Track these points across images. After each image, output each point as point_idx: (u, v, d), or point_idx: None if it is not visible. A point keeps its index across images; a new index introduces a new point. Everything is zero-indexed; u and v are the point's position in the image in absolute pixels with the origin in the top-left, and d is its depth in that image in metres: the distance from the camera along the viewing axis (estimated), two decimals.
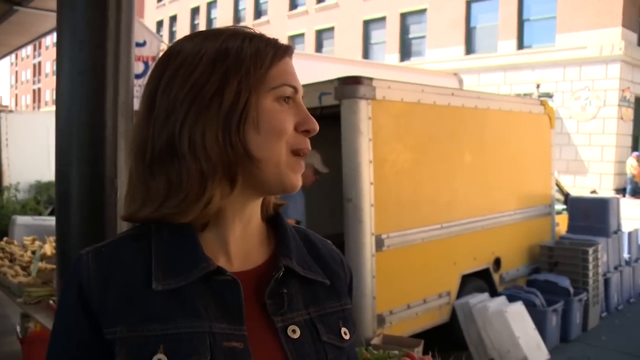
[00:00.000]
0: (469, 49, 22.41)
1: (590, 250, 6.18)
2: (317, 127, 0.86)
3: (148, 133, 0.83)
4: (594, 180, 19.00)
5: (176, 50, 0.85)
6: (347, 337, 0.90)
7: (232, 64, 0.81)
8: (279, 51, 0.85)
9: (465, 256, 5.31)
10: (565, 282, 5.95)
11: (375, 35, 25.63)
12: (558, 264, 6.27)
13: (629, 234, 7.58)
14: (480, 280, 5.56)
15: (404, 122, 4.68)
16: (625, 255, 7.39)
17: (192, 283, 0.79)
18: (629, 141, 20.57)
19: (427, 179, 4.90)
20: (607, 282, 6.76)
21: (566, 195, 8.09)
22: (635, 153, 19.69)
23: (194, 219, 0.82)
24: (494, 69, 21.18)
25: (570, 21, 19.92)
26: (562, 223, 7.34)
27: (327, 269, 0.95)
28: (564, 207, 7.83)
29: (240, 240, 0.87)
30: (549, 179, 6.77)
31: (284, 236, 0.92)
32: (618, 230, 7.18)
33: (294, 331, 0.84)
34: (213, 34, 0.85)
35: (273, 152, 0.82)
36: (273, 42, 0.86)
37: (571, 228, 7.07)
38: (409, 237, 4.67)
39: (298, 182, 0.86)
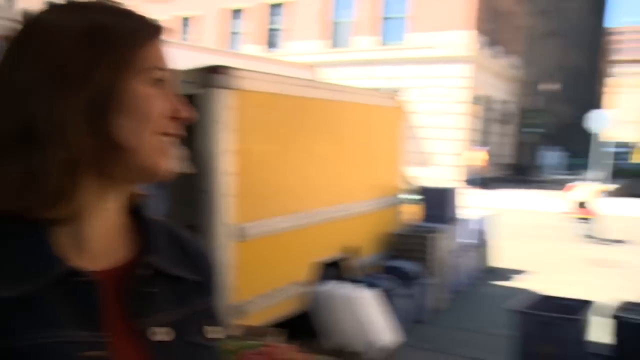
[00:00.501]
0: (329, 42, 22.99)
1: (433, 236, 6.62)
2: (188, 114, 0.79)
3: None
4: (444, 173, 20.32)
5: (35, 23, 0.75)
6: (215, 335, 0.86)
7: (101, 42, 0.73)
8: (151, 31, 0.78)
9: (322, 245, 5.46)
10: (415, 267, 6.31)
11: (239, 25, 25.46)
12: (408, 250, 6.64)
13: (473, 220, 8.22)
14: (336, 269, 5.74)
15: (265, 113, 4.70)
16: (469, 240, 8.01)
17: (43, 288, 0.70)
18: (475, 136, 22.26)
19: (288, 170, 4.97)
20: (449, 265, 7.28)
21: (418, 186, 8.58)
22: (483, 147, 21.35)
23: (49, 213, 0.73)
24: (353, 63, 21.91)
25: (424, 21, 21.11)
26: (417, 212, 7.74)
27: (194, 264, 0.89)
28: (420, 197, 8.28)
29: (101, 236, 0.79)
30: (398, 171, 7.10)
31: (149, 231, 0.84)
32: (459, 217, 7.77)
33: (160, 334, 0.77)
34: (78, 8, 0.77)
35: (143, 139, 0.75)
36: (144, 21, 0.78)
37: (426, 217, 7.53)
38: (271, 226, 4.71)
39: (171, 168, 0.79)
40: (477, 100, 21.90)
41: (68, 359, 0.68)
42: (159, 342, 0.77)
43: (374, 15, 22.15)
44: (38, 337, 0.67)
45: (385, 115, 6.65)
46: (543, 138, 32.55)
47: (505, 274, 8.37)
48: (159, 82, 0.77)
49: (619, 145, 32.03)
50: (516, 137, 28.92)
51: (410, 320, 5.93)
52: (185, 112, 0.79)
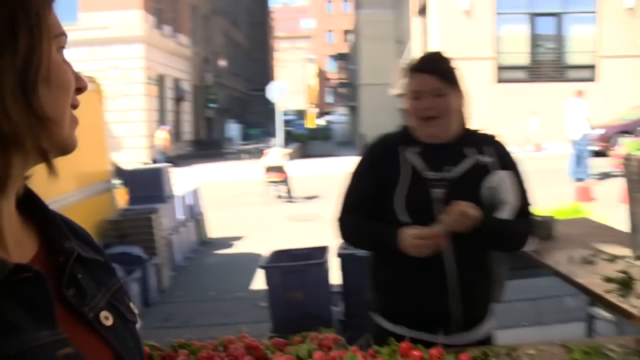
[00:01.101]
0: None
1: (153, 217, 6.54)
2: (86, 84, 0.76)
3: None
4: (129, 155, 19.81)
5: None
6: (136, 311, 0.84)
7: (19, 3, 0.65)
8: None
9: None
10: (137, 250, 6.15)
11: None
12: (127, 235, 6.43)
13: (181, 197, 8.30)
14: None
15: None
16: (184, 216, 8.07)
17: None
18: (156, 116, 22.17)
19: None
20: (170, 243, 7.28)
21: (121, 170, 8.30)
22: (164, 126, 21.38)
23: None
24: None
25: (96, 1, 20.05)
26: (121, 197, 7.52)
27: (90, 244, 0.84)
28: (120, 181, 8.01)
29: (9, 224, 0.69)
30: (104, 156, 6.81)
31: (48, 214, 0.77)
32: (172, 195, 7.77)
33: (106, 318, 0.74)
34: None
35: (63, 110, 0.70)
36: None
37: (132, 200, 7.32)
38: None
39: (77, 139, 0.75)
40: (151, 80, 21.84)
41: None
42: (107, 326, 0.73)
43: None
44: (12, 346, 0.59)
45: (86, 100, 6.21)
46: (220, 112, 34.10)
47: (222, 242, 8.68)
48: (64, 49, 0.73)
49: (287, 113, 35.46)
50: (195, 113, 29.71)
51: (142, 304, 5.80)
52: (85, 83, 0.76)
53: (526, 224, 2.00)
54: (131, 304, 0.83)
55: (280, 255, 4.07)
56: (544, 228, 3.39)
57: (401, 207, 1.91)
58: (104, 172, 6.69)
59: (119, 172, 8.19)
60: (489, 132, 2.10)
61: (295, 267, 3.66)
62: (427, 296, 1.95)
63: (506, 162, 1.99)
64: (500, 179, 1.92)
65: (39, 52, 0.66)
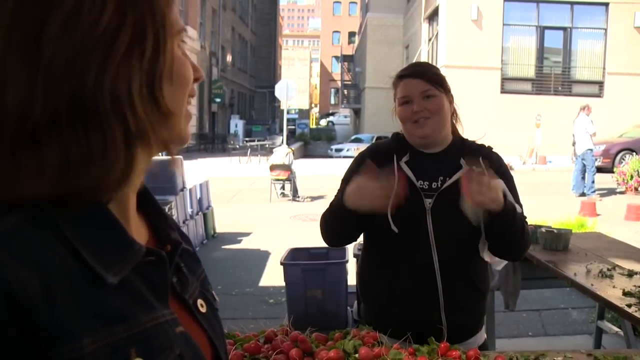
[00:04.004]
0: None
1: (166, 209, 6.60)
2: (203, 75, 0.79)
3: (29, 91, 0.61)
4: None
5: None
6: (217, 299, 0.89)
7: (146, 4, 0.68)
8: None
9: None
10: None
11: None
12: None
13: (190, 190, 8.36)
14: None
15: None
16: (194, 208, 8.14)
17: (130, 271, 0.67)
18: None
19: None
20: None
21: None
22: None
23: (111, 193, 0.67)
24: None
25: None
26: None
27: (183, 236, 0.88)
28: None
29: (134, 212, 0.75)
30: None
31: (155, 204, 0.82)
32: (184, 187, 7.84)
33: (202, 305, 0.79)
34: None
35: (182, 104, 0.73)
36: None
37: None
38: None
39: (190, 132, 0.78)
40: None
41: (170, 338, 0.68)
42: (203, 313, 0.79)
43: None
44: (148, 320, 0.66)
45: None
46: (224, 107, 34.17)
47: (229, 238, 8.75)
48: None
49: (290, 111, 35.53)
50: (199, 107, 29.78)
51: None
52: (201, 73, 0.78)
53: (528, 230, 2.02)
54: (214, 293, 0.88)
55: (298, 253, 4.14)
56: (562, 240, 3.47)
57: (393, 216, 1.91)
58: None
59: None
60: (485, 142, 2.10)
61: (316, 265, 3.73)
62: (416, 307, 1.97)
63: (500, 174, 1.96)
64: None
65: (164, 52, 0.69)
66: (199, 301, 0.79)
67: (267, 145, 22.69)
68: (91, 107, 0.63)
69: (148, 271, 0.69)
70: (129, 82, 0.65)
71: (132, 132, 0.66)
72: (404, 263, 2.00)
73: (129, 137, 0.66)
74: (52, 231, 0.61)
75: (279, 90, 18.04)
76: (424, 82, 1.95)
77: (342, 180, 2.05)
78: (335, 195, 2.03)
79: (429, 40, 25.12)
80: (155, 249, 0.71)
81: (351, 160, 2.23)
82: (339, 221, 2.00)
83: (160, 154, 0.77)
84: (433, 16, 24.24)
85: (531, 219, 2.36)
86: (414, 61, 23.39)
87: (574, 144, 12.20)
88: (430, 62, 20.88)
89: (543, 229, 3.57)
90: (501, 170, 2.01)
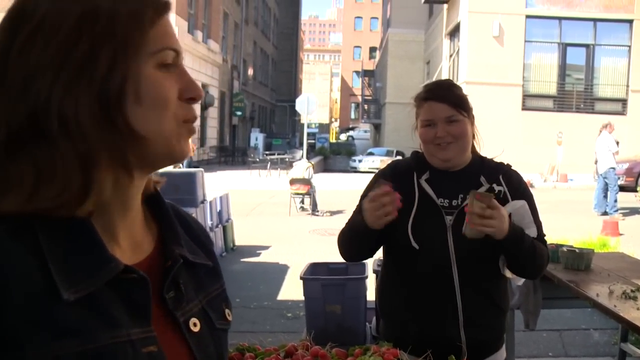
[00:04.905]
0: None
1: None
2: (202, 93, 0.77)
3: None
4: None
5: (30, 8, 0.68)
6: (230, 318, 0.88)
7: (105, 26, 0.67)
8: (159, 9, 0.72)
9: None
10: None
11: None
12: None
13: (211, 202, 8.41)
14: None
15: None
16: (214, 220, 8.19)
17: (101, 287, 0.68)
18: None
19: None
20: None
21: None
22: None
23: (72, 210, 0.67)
24: None
25: None
26: None
27: (204, 247, 0.89)
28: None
29: (127, 227, 0.76)
30: None
31: (168, 218, 0.83)
32: (204, 200, 7.91)
33: (194, 324, 0.78)
34: None
35: (160, 125, 0.71)
36: (147, 0, 0.72)
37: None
38: None
39: (188, 149, 0.76)
40: None
41: (134, 356, 0.67)
42: (194, 332, 0.78)
43: None
44: (107, 338, 0.65)
45: None
46: (244, 120, 34.41)
47: (248, 250, 8.78)
48: (169, 65, 0.73)
49: (310, 126, 35.64)
50: (220, 120, 30.02)
51: None
52: (198, 92, 0.75)
53: (546, 250, 2.02)
54: (227, 311, 0.87)
55: (317, 268, 4.15)
56: (584, 259, 3.44)
57: (414, 233, 1.92)
58: None
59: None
60: (504, 160, 2.10)
61: (335, 280, 3.74)
62: (436, 324, 1.96)
63: (520, 191, 1.99)
64: (517, 207, 1.94)
65: (122, 73, 0.67)
66: (193, 320, 0.78)
67: (287, 159, 22.81)
68: (43, 127, 0.64)
69: (128, 288, 0.69)
70: (76, 103, 0.65)
71: (83, 154, 0.65)
72: (424, 280, 2.00)
73: (83, 158, 0.66)
74: (29, 243, 0.64)
75: (300, 104, 18.13)
76: (448, 107, 1.95)
77: (361, 197, 2.06)
78: (354, 211, 2.04)
79: (450, 56, 25.11)
80: (135, 268, 0.71)
81: (368, 175, 2.25)
82: (356, 237, 2.01)
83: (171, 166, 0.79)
84: (454, 32, 24.24)
85: (552, 238, 2.34)
86: (434, 77, 23.39)
87: (596, 162, 12.09)
88: (451, 78, 20.87)
89: (564, 248, 3.54)
90: (521, 189, 2.01)
